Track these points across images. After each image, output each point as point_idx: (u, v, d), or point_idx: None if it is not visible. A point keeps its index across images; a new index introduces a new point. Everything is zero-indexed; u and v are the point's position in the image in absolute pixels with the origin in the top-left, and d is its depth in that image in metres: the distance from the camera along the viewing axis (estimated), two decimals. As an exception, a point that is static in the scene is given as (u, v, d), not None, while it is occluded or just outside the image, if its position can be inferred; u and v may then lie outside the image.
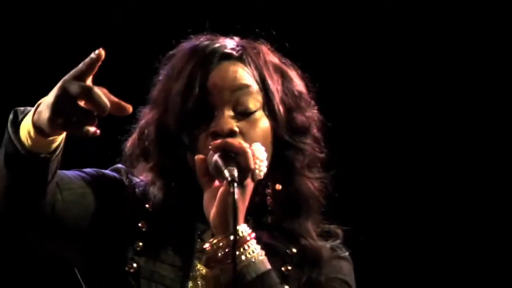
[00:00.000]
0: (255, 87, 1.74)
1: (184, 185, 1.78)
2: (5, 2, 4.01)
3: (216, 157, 1.65)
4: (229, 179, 1.60)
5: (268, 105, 1.76)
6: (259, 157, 1.68)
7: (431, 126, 4.20)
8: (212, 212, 1.66)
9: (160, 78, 1.83)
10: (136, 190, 1.82)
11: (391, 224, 4.12)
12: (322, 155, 1.86)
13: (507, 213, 4.11)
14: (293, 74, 1.85)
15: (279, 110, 1.76)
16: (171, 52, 1.84)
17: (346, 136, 4.10)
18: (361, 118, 4.22)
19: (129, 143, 1.87)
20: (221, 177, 1.65)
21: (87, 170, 1.82)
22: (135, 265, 1.73)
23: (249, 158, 1.65)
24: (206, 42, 1.75)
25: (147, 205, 1.79)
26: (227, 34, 1.82)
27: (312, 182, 1.85)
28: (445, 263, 4.17)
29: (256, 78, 1.75)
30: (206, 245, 1.71)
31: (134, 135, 1.85)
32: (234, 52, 1.75)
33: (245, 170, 1.66)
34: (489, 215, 4.14)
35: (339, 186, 2.39)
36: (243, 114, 1.72)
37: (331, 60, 4.12)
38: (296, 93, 1.81)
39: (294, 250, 1.81)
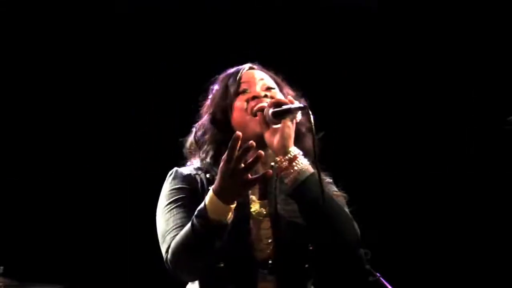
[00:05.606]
0: (270, 79, 2.60)
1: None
2: (8, 2, 4.04)
3: (271, 109, 2.40)
4: (301, 106, 2.37)
5: (279, 90, 2.59)
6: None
7: (431, 125, 4.24)
8: (275, 141, 2.38)
9: (211, 93, 2.62)
10: (194, 171, 2.51)
11: (390, 222, 4.15)
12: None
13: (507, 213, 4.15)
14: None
15: (286, 93, 2.57)
16: (212, 80, 2.63)
17: (347, 135, 4.13)
18: (361, 118, 4.25)
19: (199, 130, 2.56)
20: (283, 118, 2.38)
21: (178, 194, 2.46)
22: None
23: (294, 105, 2.41)
24: (237, 67, 2.64)
25: (207, 175, 2.47)
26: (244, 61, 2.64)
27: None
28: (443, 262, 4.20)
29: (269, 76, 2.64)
30: (276, 161, 2.40)
31: (202, 123, 2.57)
32: (255, 66, 2.64)
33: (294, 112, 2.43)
34: (488, 214, 4.18)
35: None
36: (268, 89, 2.53)
37: (332, 60, 4.15)
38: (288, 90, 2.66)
39: None
